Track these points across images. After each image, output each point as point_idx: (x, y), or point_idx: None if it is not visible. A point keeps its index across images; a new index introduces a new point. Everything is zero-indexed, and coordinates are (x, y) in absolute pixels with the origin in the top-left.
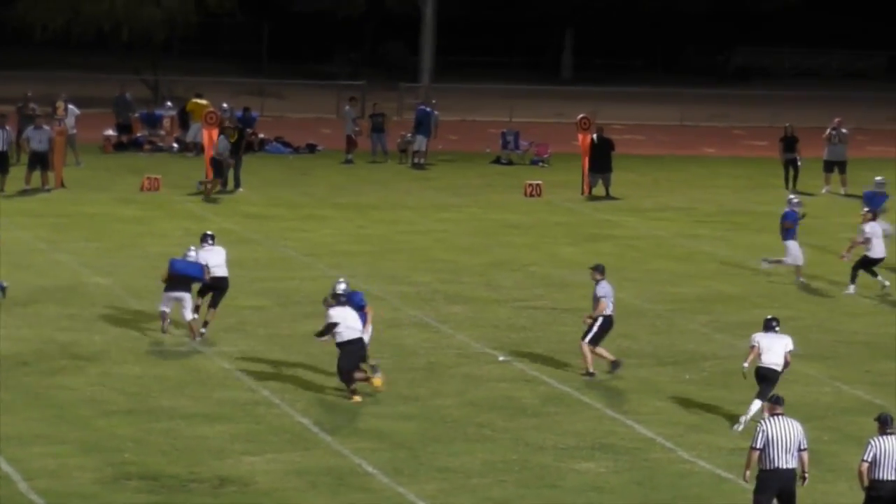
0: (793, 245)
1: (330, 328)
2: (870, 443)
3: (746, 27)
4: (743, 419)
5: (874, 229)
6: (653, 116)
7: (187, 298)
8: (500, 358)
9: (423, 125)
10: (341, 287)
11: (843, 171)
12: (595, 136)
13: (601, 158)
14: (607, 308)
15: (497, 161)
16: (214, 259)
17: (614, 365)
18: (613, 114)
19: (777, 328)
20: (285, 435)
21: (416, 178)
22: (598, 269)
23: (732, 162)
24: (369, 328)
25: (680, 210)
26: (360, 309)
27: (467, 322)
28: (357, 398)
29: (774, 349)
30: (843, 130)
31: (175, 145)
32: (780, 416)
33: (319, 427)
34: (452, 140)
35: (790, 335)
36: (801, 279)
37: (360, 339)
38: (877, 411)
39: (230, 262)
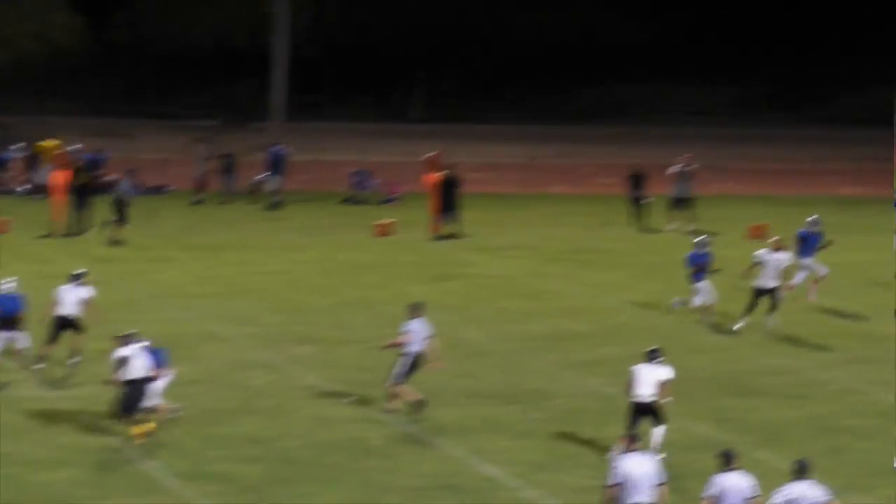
0: (704, 286)
1: (120, 364)
2: (713, 479)
3: (596, 65)
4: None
5: (769, 257)
6: (502, 155)
7: (19, 336)
8: (348, 399)
9: (277, 165)
10: (144, 343)
11: (689, 207)
12: (444, 174)
13: (450, 197)
14: (411, 344)
15: (348, 200)
16: (69, 297)
17: (417, 405)
18: (463, 152)
19: (657, 359)
20: (131, 480)
21: (266, 218)
22: (412, 307)
23: (580, 200)
24: (162, 381)
25: (528, 248)
26: (159, 366)
27: (316, 363)
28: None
29: (647, 381)
30: (691, 167)
31: (21, 188)
32: (636, 452)
33: (166, 470)
34: (303, 180)
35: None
36: (709, 317)
37: (143, 380)
38: (721, 447)
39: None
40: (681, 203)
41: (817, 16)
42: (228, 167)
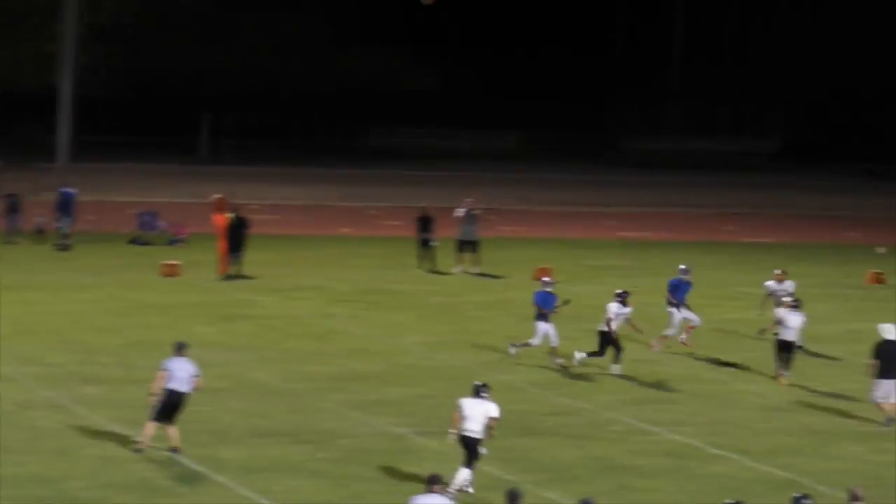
0: (543, 326)
1: None
2: None
3: (382, 109)
4: (452, 487)
5: (618, 310)
6: (289, 196)
7: None
8: (137, 439)
9: (66, 207)
10: None
11: (475, 250)
12: (231, 216)
13: (238, 238)
14: (168, 381)
15: (135, 241)
16: None
17: (138, 449)
18: (250, 194)
19: (484, 395)
20: None
21: (53, 258)
22: (176, 346)
23: (367, 241)
24: None
25: (315, 289)
26: None
27: (102, 402)
28: None
29: (474, 416)
30: (475, 211)
31: None
32: (433, 494)
33: None
34: (90, 220)
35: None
36: (559, 360)
37: None
38: (506, 486)
39: None
40: (466, 245)
41: (598, 64)
42: (13, 207)
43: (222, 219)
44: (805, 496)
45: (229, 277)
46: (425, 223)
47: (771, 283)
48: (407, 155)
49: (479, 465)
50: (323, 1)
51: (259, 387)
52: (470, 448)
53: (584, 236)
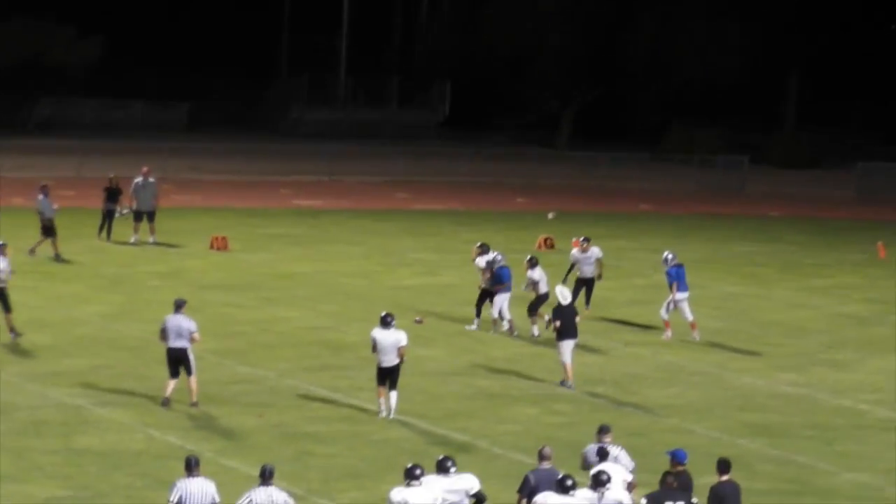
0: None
1: None
2: (175, 484)
3: (48, 79)
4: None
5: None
6: None
7: None
8: None
9: None
10: None
11: (151, 219)
12: None
13: None
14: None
15: None
16: None
17: None
18: None
19: (392, 324)
20: None
21: None
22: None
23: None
24: None
25: None
26: None
27: None
28: None
29: (387, 347)
30: (151, 180)
31: None
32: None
33: None
34: None
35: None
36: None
37: None
38: (185, 454)
39: None
40: (142, 216)
41: (266, 34)
42: None
43: None
44: None
45: None
46: (112, 194)
47: (575, 252)
48: (77, 125)
49: (158, 433)
50: None
51: None
52: (392, 375)
53: (258, 205)
